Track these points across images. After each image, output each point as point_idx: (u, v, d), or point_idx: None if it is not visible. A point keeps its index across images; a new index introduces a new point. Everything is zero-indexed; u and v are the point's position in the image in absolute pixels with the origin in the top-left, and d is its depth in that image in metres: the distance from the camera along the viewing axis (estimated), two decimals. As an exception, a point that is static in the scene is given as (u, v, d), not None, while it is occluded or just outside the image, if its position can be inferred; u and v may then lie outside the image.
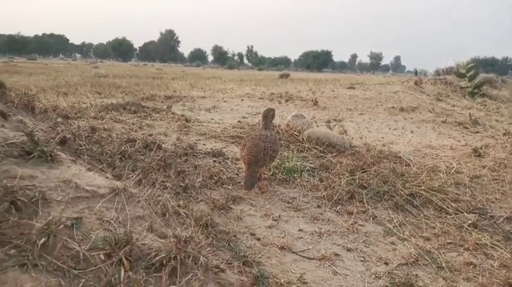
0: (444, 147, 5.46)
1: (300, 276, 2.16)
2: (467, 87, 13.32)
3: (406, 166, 4.24)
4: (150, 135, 4.49)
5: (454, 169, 3.96)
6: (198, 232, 2.12)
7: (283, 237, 2.57)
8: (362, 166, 4.00)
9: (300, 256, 2.42)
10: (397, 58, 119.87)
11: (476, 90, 13.11)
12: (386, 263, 2.45)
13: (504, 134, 6.50)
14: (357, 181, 3.59)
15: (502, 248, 2.62)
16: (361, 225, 2.96)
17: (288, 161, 3.93)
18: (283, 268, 2.24)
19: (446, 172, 3.90)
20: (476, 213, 3.13)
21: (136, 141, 3.61)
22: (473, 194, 3.57)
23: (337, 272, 2.29)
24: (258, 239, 2.54)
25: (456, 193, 3.58)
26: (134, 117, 5.72)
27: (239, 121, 6.83)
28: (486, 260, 2.53)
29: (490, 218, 3.10)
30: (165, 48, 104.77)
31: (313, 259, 2.40)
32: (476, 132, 7.55)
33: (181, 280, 1.44)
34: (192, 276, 1.45)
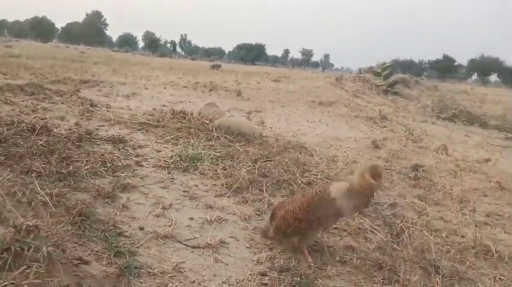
0: (349, 139, 5.76)
1: (177, 265, 2.09)
2: (382, 85, 14.27)
3: (309, 156, 4.37)
4: (43, 119, 4.10)
5: (350, 158, 4.17)
6: (64, 222, 1.95)
7: (169, 226, 2.48)
8: (267, 155, 4.05)
9: (184, 244, 2.35)
10: (327, 56, 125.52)
11: (390, 88, 14.10)
12: (271, 249, 2.48)
13: (406, 130, 7.04)
14: (260, 170, 3.62)
15: (379, 232, 2.79)
16: (258, 213, 2.97)
17: (193, 149, 3.84)
18: (162, 258, 2.15)
19: (343, 162, 4.09)
20: (363, 200, 3.31)
21: (14, 124, 3.25)
22: (365, 183, 3.78)
23: (219, 259, 2.26)
24: (141, 229, 2.42)
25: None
26: (30, 99, 5.20)
27: (154, 109, 6.57)
28: (365, 244, 2.67)
29: (375, 204, 3.30)
30: (90, 31, 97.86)
31: (197, 247, 2.35)
32: (383, 127, 8.11)
33: (12, 273, 1.28)
34: (25, 269, 1.30)
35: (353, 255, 2.50)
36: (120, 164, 3.32)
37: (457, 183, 3.95)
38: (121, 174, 3.13)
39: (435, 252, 2.57)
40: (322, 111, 9.54)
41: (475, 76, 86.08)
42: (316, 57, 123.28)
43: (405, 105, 12.13)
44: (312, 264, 2.32)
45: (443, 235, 2.91)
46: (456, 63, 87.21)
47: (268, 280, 2.12)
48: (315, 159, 4.21)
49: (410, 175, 4.07)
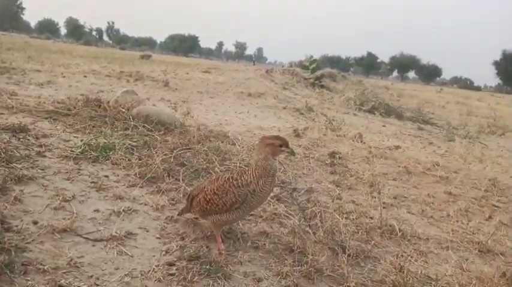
0: (273, 129, 5.84)
1: (72, 260, 1.92)
2: (309, 78, 14.75)
3: (231, 144, 4.33)
4: None
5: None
6: None
7: (69, 219, 2.27)
8: (187, 144, 3.93)
9: (85, 238, 2.17)
10: (260, 50, 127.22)
11: (317, 81, 14.62)
12: (183, 238, 2.39)
13: (327, 120, 7.30)
14: (178, 159, 3.50)
15: (294, 217, 2.83)
16: (172, 203, 2.86)
17: (105, 138, 3.60)
18: (56, 253, 1.96)
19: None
20: (280, 186, 3.35)
21: None
22: (284, 170, 3.84)
23: (124, 252, 2.12)
24: (35, 223, 2.19)
25: (271, 169, 3.80)
26: None
27: (68, 97, 6.07)
28: (279, 229, 2.70)
29: (292, 190, 3.36)
30: (4, 15, 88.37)
31: (100, 240, 2.18)
32: (310, 118, 8.38)
33: None
34: None
35: (266, 240, 2.51)
36: (17, 154, 2.99)
37: (369, 168, 4.18)
38: (17, 165, 2.81)
39: (344, 233, 2.68)
40: (251, 103, 9.60)
41: (395, 73, 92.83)
42: (250, 51, 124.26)
43: (331, 98, 12.65)
44: (223, 251, 2.28)
45: (353, 217, 3.04)
46: (379, 61, 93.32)
47: (176, 269, 2.03)
48: (236, 148, 4.17)
49: (327, 162, 4.22)
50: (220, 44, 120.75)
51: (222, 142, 4.30)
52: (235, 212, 2.24)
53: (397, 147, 5.36)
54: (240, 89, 11.00)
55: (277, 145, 2.22)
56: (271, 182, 2.23)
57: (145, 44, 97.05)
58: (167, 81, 10.32)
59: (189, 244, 2.31)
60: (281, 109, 9.18)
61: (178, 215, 2.60)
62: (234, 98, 9.85)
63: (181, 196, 2.96)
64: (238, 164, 3.54)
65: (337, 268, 2.27)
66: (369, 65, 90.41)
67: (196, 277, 2.00)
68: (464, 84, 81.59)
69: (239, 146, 4.31)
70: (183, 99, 8.60)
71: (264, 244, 2.46)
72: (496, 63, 75.91)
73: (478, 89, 67.27)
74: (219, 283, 1.99)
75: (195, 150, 3.80)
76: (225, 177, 2.28)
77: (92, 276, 1.87)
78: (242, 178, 2.21)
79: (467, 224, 3.27)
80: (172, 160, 3.48)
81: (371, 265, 2.42)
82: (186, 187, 3.05)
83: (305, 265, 2.22)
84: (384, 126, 8.89)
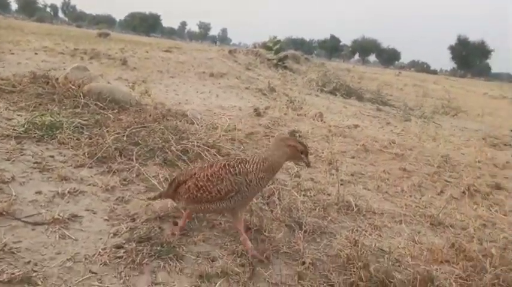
0: (234, 108, 5.74)
1: (7, 245, 1.77)
2: (273, 59, 14.65)
3: (190, 123, 4.21)
4: None
5: (228, 125, 4.13)
6: None
7: (5, 202, 2.10)
8: (142, 122, 3.77)
9: (24, 221, 2.01)
10: (224, 30, 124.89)
11: (280, 62, 14.56)
12: (133, 220, 2.28)
13: (288, 99, 7.29)
14: (132, 138, 3.34)
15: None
16: (123, 183, 2.72)
17: (51, 117, 3.36)
18: (-10, 239, 1.80)
19: (224, 129, 4.02)
20: (238, 165, 3.29)
21: None
22: (244, 148, 3.78)
23: (67, 235, 1.99)
24: (-34, 207, 2.00)
25: (230, 148, 3.72)
26: None
27: (14, 74, 5.65)
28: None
29: (251, 169, 3.30)
30: None
31: (40, 224, 2.03)
32: (272, 98, 8.32)
33: None
34: None
35: (222, 219, 2.45)
36: None
37: (328, 147, 4.20)
38: None
39: (301, 210, 2.67)
40: (213, 83, 9.40)
41: (357, 56, 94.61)
42: (214, 32, 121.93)
43: (293, 79, 12.64)
44: (176, 232, 2.19)
45: (311, 194, 3.04)
46: (342, 44, 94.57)
47: (124, 252, 1.93)
48: (194, 126, 4.05)
49: (287, 140, 4.19)
50: (184, 24, 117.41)
51: (180, 121, 4.16)
52: (227, 201, 2.07)
53: (356, 126, 5.44)
54: (202, 69, 10.74)
55: (300, 149, 2.10)
56: (268, 179, 2.12)
57: (104, 22, 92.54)
58: (125, 59, 9.88)
59: (140, 226, 2.21)
60: (243, 89, 9.06)
61: (151, 199, 2.40)
62: (196, 78, 9.61)
63: (134, 175, 2.84)
64: (195, 143, 3.43)
65: (293, 245, 2.26)
66: (331, 47, 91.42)
67: (146, 259, 1.91)
68: (422, 68, 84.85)
69: (198, 125, 4.19)
70: (142, 79, 8.27)
71: (220, 223, 2.40)
72: (452, 48, 79.05)
73: (434, 72, 70.17)
74: (170, 264, 1.91)
75: (150, 129, 3.65)
76: (221, 164, 2.10)
77: (29, 262, 1.73)
78: (240, 166, 2.05)
79: (420, 198, 3.36)
80: (125, 139, 3.31)
81: (327, 241, 2.43)
82: (139, 167, 2.92)
83: (262, 243, 2.19)
84: (344, 107, 9.01)
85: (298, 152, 2.09)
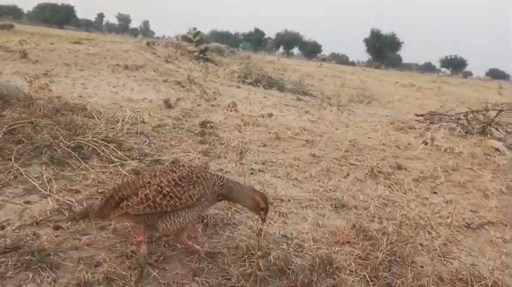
0: (144, 100, 5.43)
1: None
2: (194, 51, 14.32)
3: (90, 118, 3.85)
4: None
5: (131, 118, 3.86)
6: None
7: None
8: (29, 118, 3.34)
9: None
10: (146, 23, 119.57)
11: (202, 55, 14.28)
12: (3, 227, 1.97)
13: (201, 90, 7.12)
14: (14, 135, 2.94)
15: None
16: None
17: None
18: None
19: (126, 122, 3.74)
20: (139, 159, 3.07)
21: None
22: (150, 142, 3.54)
23: None
24: None
25: (134, 142, 3.47)
26: None
27: None
28: (132, 205, 2.42)
29: (155, 162, 3.11)
30: None
31: None
32: (191, 90, 8.07)
33: None
34: None
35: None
36: None
37: (239, 136, 4.12)
38: None
39: (204, 202, 2.53)
40: (128, 76, 8.88)
41: (282, 49, 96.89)
42: (135, 24, 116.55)
43: (215, 71, 12.46)
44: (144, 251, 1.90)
45: (218, 185, 2.92)
46: (266, 37, 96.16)
47: (-18, 266, 1.64)
48: (94, 121, 3.71)
49: (197, 131, 4.03)
50: (101, 16, 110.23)
51: (77, 115, 3.78)
52: (192, 210, 1.93)
53: (270, 115, 5.44)
54: (116, 61, 10.08)
55: (261, 207, 2.09)
56: (212, 202, 2.08)
57: (8, 13, 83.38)
58: (25, 52, 8.89)
59: (9, 234, 1.91)
60: (161, 82, 8.67)
61: (72, 220, 2.01)
62: (109, 71, 8.99)
63: (12, 177, 2.48)
64: (91, 138, 3.12)
65: (191, 240, 2.12)
66: (256, 40, 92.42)
67: (10, 272, 1.64)
68: (341, 60, 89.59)
69: (98, 119, 3.84)
70: (45, 73, 7.51)
71: (110, 224, 2.18)
72: (366, 41, 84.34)
73: (353, 64, 74.45)
74: (41, 275, 1.67)
75: (39, 125, 3.25)
76: (186, 169, 1.97)
77: None
78: (210, 174, 2.03)
79: (328, 183, 3.42)
80: (5, 136, 2.90)
81: (229, 232, 2.33)
82: (19, 168, 2.57)
83: (158, 241, 2.02)
84: (265, 97, 9.06)
85: (259, 208, 2.10)
